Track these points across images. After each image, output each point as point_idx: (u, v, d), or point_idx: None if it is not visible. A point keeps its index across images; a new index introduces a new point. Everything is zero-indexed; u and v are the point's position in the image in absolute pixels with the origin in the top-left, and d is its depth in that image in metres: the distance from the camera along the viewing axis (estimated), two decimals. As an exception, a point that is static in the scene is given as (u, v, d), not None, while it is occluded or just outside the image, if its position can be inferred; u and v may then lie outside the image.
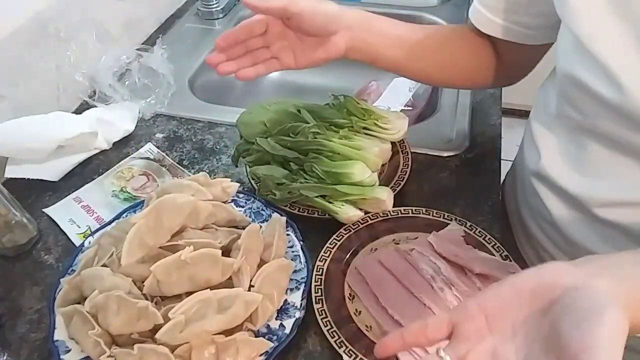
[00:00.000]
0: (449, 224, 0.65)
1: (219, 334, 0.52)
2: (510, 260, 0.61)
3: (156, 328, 0.51)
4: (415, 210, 0.67)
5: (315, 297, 0.58)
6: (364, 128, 0.71)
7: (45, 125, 0.78)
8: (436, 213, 0.67)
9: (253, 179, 0.71)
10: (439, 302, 0.56)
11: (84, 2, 0.91)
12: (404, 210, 0.67)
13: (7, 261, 0.68)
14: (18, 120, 0.76)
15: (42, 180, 0.76)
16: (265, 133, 0.72)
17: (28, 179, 0.76)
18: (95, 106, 0.88)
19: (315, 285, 0.59)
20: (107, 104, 0.89)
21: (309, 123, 0.70)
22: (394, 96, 1.07)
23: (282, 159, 0.70)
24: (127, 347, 0.51)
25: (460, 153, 0.80)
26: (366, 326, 0.57)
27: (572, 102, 0.55)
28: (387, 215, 0.66)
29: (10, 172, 0.76)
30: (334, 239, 0.64)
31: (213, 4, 1.15)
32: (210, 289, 0.54)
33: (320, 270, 0.61)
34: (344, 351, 0.53)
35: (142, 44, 1.01)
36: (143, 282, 0.55)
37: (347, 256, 0.63)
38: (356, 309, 0.58)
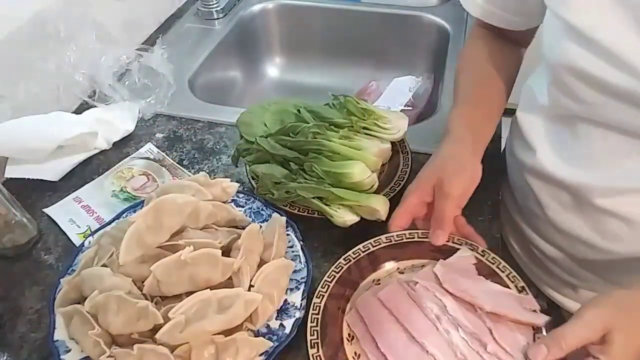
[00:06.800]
0: (458, 249, 0.58)
1: (218, 334, 0.52)
2: (527, 293, 0.54)
3: (156, 328, 0.51)
4: (421, 234, 0.60)
5: (311, 340, 0.53)
6: (364, 128, 0.71)
7: (45, 125, 0.78)
8: None
9: (253, 178, 0.71)
10: (444, 347, 0.50)
11: (84, 2, 0.91)
12: (409, 234, 0.60)
13: (7, 261, 0.68)
14: (18, 120, 0.76)
15: (42, 180, 0.76)
16: (265, 133, 0.72)
17: (28, 179, 0.76)
18: (95, 106, 0.88)
19: (311, 327, 0.54)
20: (107, 104, 0.89)
21: (309, 123, 0.70)
22: (394, 96, 1.07)
23: (282, 159, 0.70)
24: (127, 347, 0.51)
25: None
26: None
27: (569, 92, 0.55)
28: (391, 241, 0.60)
29: (10, 172, 0.76)
30: (332, 271, 0.59)
31: (213, 4, 1.15)
32: (210, 289, 0.54)
33: (317, 308, 0.55)
34: None
35: (142, 44, 1.01)
36: (143, 282, 0.55)
37: (347, 291, 0.57)
38: (355, 352, 0.53)
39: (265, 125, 0.73)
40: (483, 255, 0.57)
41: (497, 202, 0.73)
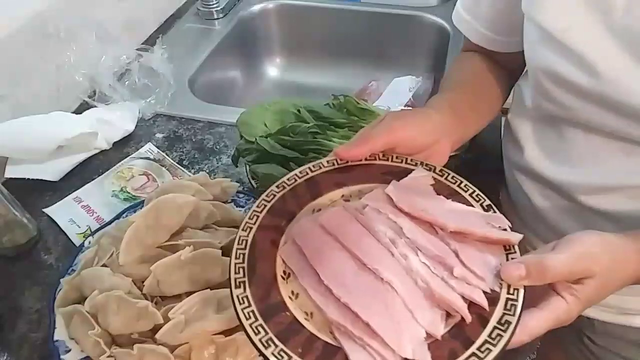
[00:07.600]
0: (413, 170, 0.49)
1: (218, 334, 0.52)
2: (495, 211, 0.46)
3: (156, 328, 0.51)
4: (369, 156, 0.50)
5: (236, 279, 0.42)
6: (364, 128, 0.71)
7: (45, 125, 0.78)
8: (396, 158, 0.51)
9: (253, 178, 0.71)
10: (402, 274, 0.41)
11: (84, 2, 0.92)
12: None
13: (7, 261, 0.68)
14: (18, 120, 0.76)
15: (42, 180, 0.76)
16: (265, 133, 0.72)
17: (28, 179, 0.76)
18: (95, 106, 0.88)
19: (236, 264, 0.43)
20: (107, 104, 0.89)
21: (309, 123, 0.70)
22: (394, 96, 1.07)
23: (282, 159, 0.70)
24: (127, 347, 0.51)
25: (460, 153, 0.80)
26: (305, 313, 0.41)
27: (548, 95, 0.56)
28: (334, 165, 0.51)
29: (10, 172, 0.76)
30: (263, 199, 0.48)
31: (213, 4, 1.15)
32: (210, 289, 0.54)
33: (244, 242, 0.44)
34: (272, 352, 0.38)
35: (142, 44, 1.01)
36: (143, 282, 0.55)
37: (282, 222, 0.47)
38: (292, 291, 0.43)
39: (265, 125, 0.73)
40: (442, 175, 0.49)
41: (497, 203, 0.73)
